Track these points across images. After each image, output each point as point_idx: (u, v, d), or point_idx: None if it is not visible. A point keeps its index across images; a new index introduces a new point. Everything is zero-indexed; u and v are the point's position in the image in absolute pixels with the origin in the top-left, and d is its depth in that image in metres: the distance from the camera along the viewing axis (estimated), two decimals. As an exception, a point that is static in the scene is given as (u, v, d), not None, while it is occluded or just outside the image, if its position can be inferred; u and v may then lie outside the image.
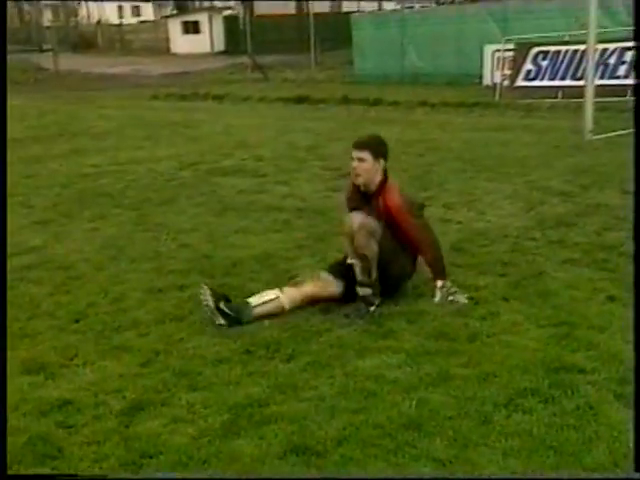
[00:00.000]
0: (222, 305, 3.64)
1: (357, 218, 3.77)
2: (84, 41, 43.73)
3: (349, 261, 3.81)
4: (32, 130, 11.92)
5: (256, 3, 45.58)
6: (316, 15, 26.53)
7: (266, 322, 3.64)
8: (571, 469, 2.35)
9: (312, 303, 3.83)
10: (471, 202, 6.06)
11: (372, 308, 3.74)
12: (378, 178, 3.91)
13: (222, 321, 3.61)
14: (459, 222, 5.45)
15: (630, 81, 12.20)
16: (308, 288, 3.85)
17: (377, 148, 3.92)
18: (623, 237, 4.79)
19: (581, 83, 10.09)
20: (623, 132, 9.12)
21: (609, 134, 9.02)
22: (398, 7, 31.38)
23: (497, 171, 7.28)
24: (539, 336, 3.35)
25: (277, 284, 4.17)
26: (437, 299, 3.84)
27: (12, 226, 5.71)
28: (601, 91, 10.23)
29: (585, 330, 3.37)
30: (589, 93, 9.17)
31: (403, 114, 12.95)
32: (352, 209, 3.99)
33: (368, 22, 22.08)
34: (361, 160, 3.87)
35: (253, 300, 3.76)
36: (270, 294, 3.80)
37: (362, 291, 3.77)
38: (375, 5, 51.85)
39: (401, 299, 3.88)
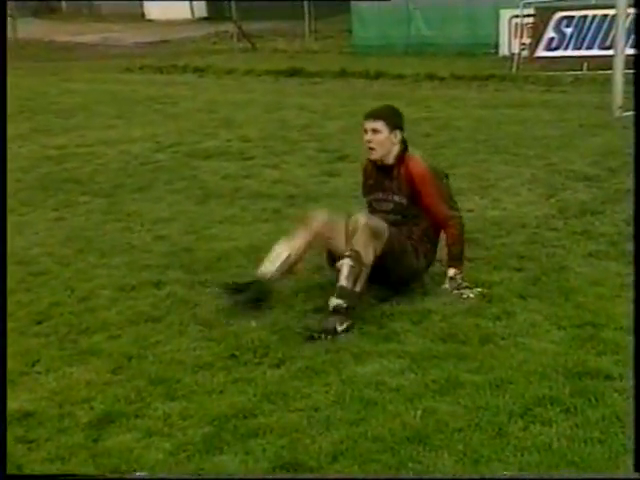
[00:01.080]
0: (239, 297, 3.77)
1: (364, 217, 3.76)
2: (46, 5, 43.54)
3: (338, 264, 3.67)
4: (-12, 107, 11.87)
5: (242, -37, 45.50)
6: (310, -24, 26.44)
7: (253, 323, 3.65)
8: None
9: (321, 244, 3.93)
10: (484, 188, 6.07)
11: (340, 328, 3.50)
12: (396, 150, 3.92)
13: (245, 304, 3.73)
14: (471, 210, 5.44)
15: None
16: (319, 227, 3.86)
17: (392, 119, 3.94)
18: (655, 225, 4.81)
19: (610, 53, 10.08)
20: (656, 108, 9.15)
21: (640, 111, 9.03)
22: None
23: (514, 153, 7.28)
24: (560, 338, 3.37)
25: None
26: (446, 286, 3.90)
27: (-34, 216, 5.74)
28: (632, 62, 10.24)
29: (612, 331, 3.39)
30: (619, 64, 9.16)
31: (408, 89, 12.93)
32: (369, 188, 4.05)
33: (369, -14, 22.02)
34: (375, 132, 3.87)
35: (266, 268, 3.80)
36: (282, 254, 3.82)
37: (334, 302, 3.56)
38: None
39: (405, 297, 3.89)
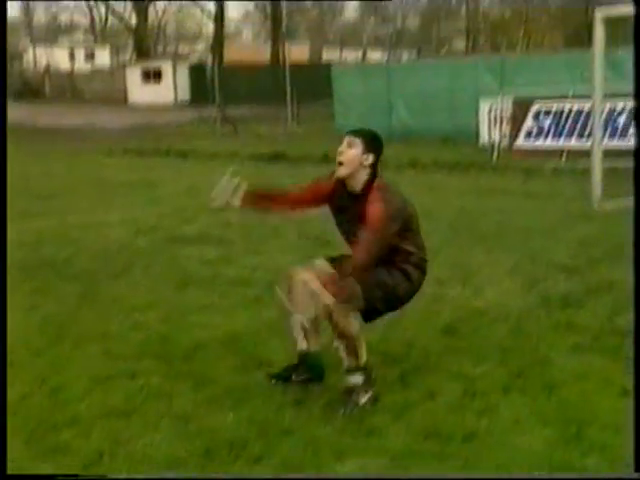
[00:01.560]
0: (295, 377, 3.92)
1: (331, 299, 3.54)
2: (29, 89, 44.35)
3: (334, 346, 3.75)
4: (-34, 189, 11.89)
5: (226, 49, 46.82)
6: (293, 65, 27.21)
7: (230, 416, 3.59)
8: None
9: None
10: (467, 277, 6.12)
11: (364, 400, 3.70)
12: (364, 177, 3.80)
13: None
14: (453, 299, 5.48)
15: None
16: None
17: (370, 140, 3.83)
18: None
19: (588, 144, 10.37)
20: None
21: (620, 201, 9.20)
22: (385, 57, 32.41)
23: (495, 242, 7.38)
24: (545, 436, 3.34)
25: (244, 372, 4.16)
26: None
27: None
28: (610, 153, 10.53)
29: (597, 430, 3.37)
30: (596, 155, 9.41)
31: (390, 176, 12.93)
32: (337, 209, 3.95)
33: (351, 74, 22.69)
34: (349, 145, 3.79)
35: (301, 345, 3.92)
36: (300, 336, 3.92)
37: (352, 380, 3.73)
38: (359, 53, 53.46)
39: (386, 389, 3.86)
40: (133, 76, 41.55)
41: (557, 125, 14.18)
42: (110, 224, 8.75)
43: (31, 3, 63.38)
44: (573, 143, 13.64)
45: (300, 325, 3.92)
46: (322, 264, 3.98)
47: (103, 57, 59.38)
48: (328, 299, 3.57)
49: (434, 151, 15.74)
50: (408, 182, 12.22)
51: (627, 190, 9.85)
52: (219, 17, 46.26)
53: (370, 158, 3.80)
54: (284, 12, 50.62)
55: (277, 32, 47.31)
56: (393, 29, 66.87)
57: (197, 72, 39.29)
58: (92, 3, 63.93)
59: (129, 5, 48.10)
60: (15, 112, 32.14)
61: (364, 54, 53.61)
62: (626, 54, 14.33)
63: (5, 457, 2.40)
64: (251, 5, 55.27)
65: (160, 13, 60.86)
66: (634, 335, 3.06)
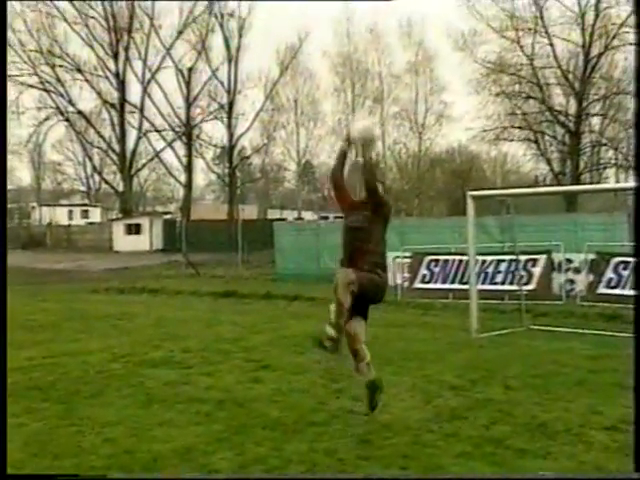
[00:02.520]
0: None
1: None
2: (33, 240, 43.59)
3: (330, 308, 4.71)
4: (-28, 321, 11.34)
5: (193, 209, 47.36)
6: (244, 221, 27.66)
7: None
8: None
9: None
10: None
11: (329, 346, 4.79)
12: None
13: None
14: (366, 414, 5.38)
15: (506, 287, 13.02)
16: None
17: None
18: (508, 431, 4.82)
19: (467, 287, 10.68)
20: (503, 332, 9.56)
21: (491, 333, 9.41)
22: (315, 217, 33.24)
23: (399, 365, 7.35)
24: (438, 532, 3.22)
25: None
26: None
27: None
28: (483, 294, 10.86)
29: (479, 526, 3.27)
30: (473, 297, 9.68)
31: (319, 309, 13.12)
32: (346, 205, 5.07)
33: (289, 229, 23.14)
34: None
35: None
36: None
37: (330, 331, 4.68)
38: (295, 214, 54.78)
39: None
40: (118, 229, 41.38)
41: (444, 272, 14.60)
42: (91, 351, 8.39)
43: (41, 174, 63.59)
44: (456, 286, 14.01)
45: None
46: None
47: (95, 214, 59.22)
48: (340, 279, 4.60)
49: (352, 291, 15.89)
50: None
51: (496, 324, 10.10)
52: (188, 185, 47.14)
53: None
54: (238, 182, 52.04)
55: (233, 196, 48.38)
56: (321, 195, 69.18)
57: (169, 226, 39.47)
58: (89, 174, 64.60)
59: (118, 176, 48.70)
60: (20, 258, 31.41)
61: (299, 215, 54.99)
62: (491, 221, 15.16)
63: (5, 457, 2.14)
64: (214, 176, 56.58)
65: (142, 181, 61.72)
66: (634, 335, 3.02)
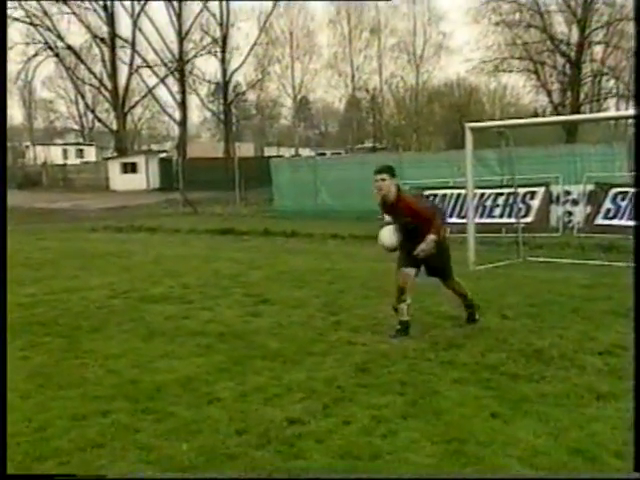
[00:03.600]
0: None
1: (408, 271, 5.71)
2: (29, 180, 43.23)
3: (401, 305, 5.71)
4: (-28, 260, 11.39)
5: (189, 147, 46.85)
6: (241, 158, 27.42)
7: (184, 445, 3.47)
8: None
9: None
10: (375, 325, 6.12)
11: (405, 315, 5.67)
12: (394, 190, 5.55)
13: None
14: (364, 344, 5.47)
15: (504, 220, 13.04)
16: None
17: (390, 170, 5.57)
18: (503, 358, 4.92)
19: (464, 221, 10.68)
20: (500, 264, 9.63)
21: (488, 265, 9.47)
22: (312, 154, 32.97)
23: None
24: (433, 452, 3.33)
25: (197, 408, 4.04)
26: (423, 245, 5.44)
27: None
28: (481, 228, 10.87)
29: (473, 446, 3.37)
30: (471, 230, 9.69)
31: (316, 245, 13.22)
32: (387, 212, 5.75)
33: (286, 166, 22.96)
34: (383, 180, 5.51)
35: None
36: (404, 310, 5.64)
37: (401, 305, 5.69)
38: (292, 151, 54.27)
39: (312, 419, 3.80)
40: (114, 168, 41.02)
41: (442, 206, 14.55)
42: (91, 288, 8.48)
43: (32, 113, 62.49)
44: (454, 220, 14.02)
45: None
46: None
47: (90, 153, 58.55)
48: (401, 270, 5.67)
49: (350, 226, 15.93)
50: (330, 250, 12.34)
51: (493, 257, 10.17)
52: (183, 123, 46.45)
53: (394, 182, 5.58)
54: (234, 119, 51.27)
55: (229, 134, 47.78)
56: (319, 132, 68.30)
57: (165, 165, 39.07)
58: (82, 113, 63.50)
59: (112, 114, 47.89)
60: (17, 198, 31.26)
61: (296, 152, 54.43)
62: (490, 154, 15.02)
63: (5, 457, 2.22)
64: (209, 113, 55.70)
65: (136, 119, 60.76)
66: (634, 335, 3.09)
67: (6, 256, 3.81)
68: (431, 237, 5.39)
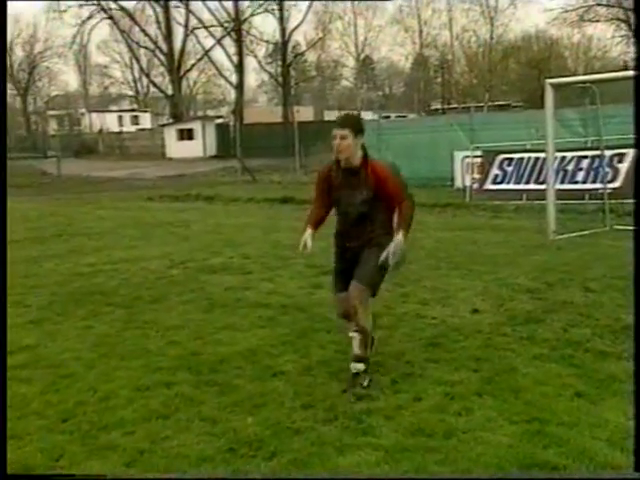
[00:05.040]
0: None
1: (355, 298, 3.96)
2: (86, 147, 44.68)
3: (350, 334, 4.04)
4: (32, 231, 11.93)
5: (246, 112, 47.22)
6: (300, 123, 27.39)
7: (249, 419, 3.55)
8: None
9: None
10: (445, 298, 6.07)
11: (365, 383, 3.93)
12: (359, 153, 4.04)
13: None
14: (434, 318, 5.44)
15: (588, 185, 12.59)
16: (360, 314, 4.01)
17: (356, 124, 4.07)
18: (588, 334, 4.80)
19: (543, 187, 10.38)
20: (584, 233, 9.32)
21: (570, 234, 9.20)
22: (376, 117, 32.60)
23: (469, 268, 7.34)
24: (512, 432, 3.28)
25: (261, 380, 4.12)
26: (391, 244, 3.96)
27: (7, 325, 5.64)
28: (561, 194, 10.54)
29: (555, 426, 3.31)
30: (550, 196, 9.41)
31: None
32: (336, 187, 4.13)
33: (348, 130, 22.80)
34: (343, 138, 3.98)
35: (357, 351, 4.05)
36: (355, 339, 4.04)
37: (355, 367, 3.97)
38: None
39: (380, 394, 3.82)
40: (170, 135, 41.82)
41: (518, 172, 14.18)
42: (150, 258, 8.74)
43: (87, 78, 64.27)
44: (531, 186, 13.63)
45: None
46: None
47: (145, 120, 59.89)
48: (355, 301, 3.97)
49: (417, 193, 15.62)
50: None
51: (575, 225, 9.86)
52: (240, 86, 46.78)
53: (360, 139, 4.04)
54: (292, 81, 51.20)
55: (287, 98, 47.82)
56: (382, 94, 67.41)
57: (222, 131, 39.54)
58: (136, 77, 64.83)
59: (167, 78, 48.68)
60: (74, 166, 32.43)
61: (359, 115, 53.97)
62: (572, 114, 14.46)
63: (5, 457, 2.32)
64: (266, 76, 55.87)
65: (192, 84, 61.59)
66: (634, 334, 3.02)
67: (6, 255, 3.95)
68: (399, 237, 3.96)
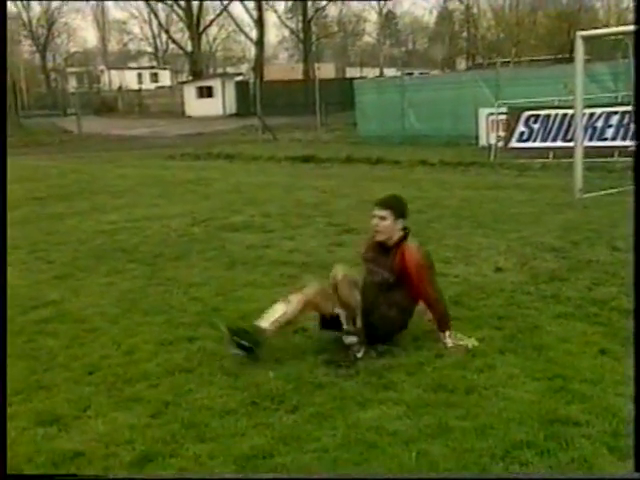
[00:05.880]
0: (237, 339, 3.77)
1: (340, 272, 3.86)
2: (105, 105, 44.73)
3: (335, 311, 3.86)
4: (54, 189, 12.06)
5: (266, 69, 46.76)
6: (322, 80, 27.08)
7: (271, 374, 3.60)
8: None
9: (313, 309, 3.97)
10: (468, 257, 6.06)
11: (359, 355, 3.78)
12: (397, 235, 3.97)
13: (239, 352, 3.75)
14: (457, 276, 5.43)
15: (617, 142, 12.34)
16: (311, 294, 3.92)
17: (398, 208, 3.99)
18: (614, 292, 4.76)
19: (571, 144, 10.18)
20: (612, 191, 9.18)
21: (598, 193, 9.06)
22: (398, 74, 32.11)
23: (492, 227, 7.29)
24: (534, 389, 3.30)
25: (283, 336, 4.16)
26: (449, 343, 3.89)
27: (32, 281, 5.75)
28: (590, 152, 10.34)
29: (578, 383, 3.32)
30: (578, 154, 9.25)
31: (404, 173, 13.06)
32: (365, 258, 4.11)
33: (370, 87, 22.54)
34: (382, 218, 3.94)
35: (264, 323, 3.85)
36: (278, 310, 3.90)
37: (348, 339, 3.83)
38: (377, 72, 53.02)
39: (402, 352, 3.85)
40: (189, 93, 41.66)
41: (545, 129, 13.94)
42: (171, 216, 8.80)
43: (106, 35, 63.95)
44: (558, 144, 13.40)
45: (281, 313, 3.92)
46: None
47: (165, 78, 59.60)
48: (340, 274, 3.82)
49: (440, 151, 15.60)
50: (419, 178, 12.17)
51: (603, 184, 9.70)
52: (260, 42, 46.22)
53: (400, 222, 3.97)
54: (313, 37, 50.44)
55: (308, 54, 47.17)
56: (405, 50, 66.19)
57: (242, 88, 39.28)
58: (155, 34, 64.32)
59: (186, 34, 48.22)
60: (94, 124, 32.53)
61: (381, 72, 53.10)
62: (603, 68, 14.10)
63: (5, 457, 2.38)
64: (287, 31, 55.10)
65: (211, 40, 61.00)
66: (634, 330, 3.00)
67: (6, 253, 3.96)
68: (447, 341, 3.90)
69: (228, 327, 3.91)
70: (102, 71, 60.17)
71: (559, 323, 4.22)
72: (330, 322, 3.96)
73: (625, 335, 3.91)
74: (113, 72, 58.62)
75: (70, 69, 61.18)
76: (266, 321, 3.88)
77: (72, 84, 54.87)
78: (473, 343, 3.89)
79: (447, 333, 3.95)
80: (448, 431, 2.91)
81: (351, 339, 3.82)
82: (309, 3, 46.81)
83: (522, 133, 14.29)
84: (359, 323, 3.84)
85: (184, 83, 44.80)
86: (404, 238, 3.96)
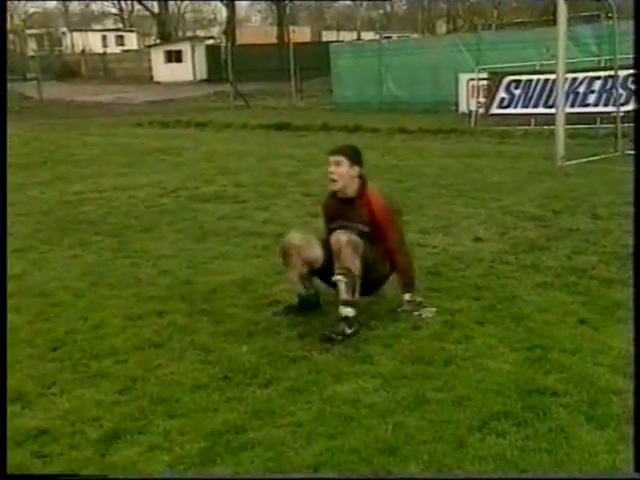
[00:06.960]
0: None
1: (344, 235, 3.76)
2: (68, 70, 43.80)
3: (334, 278, 3.77)
4: (15, 158, 11.78)
5: (238, 32, 46.07)
6: (296, 45, 26.80)
7: (244, 347, 3.61)
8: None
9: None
10: (447, 227, 6.09)
11: (350, 331, 3.72)
12: (355, 184, 3.95)
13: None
14: (435, 246, 5.47)
15: (599, 109, 12.43)
16: (297, 242, 3.92)
17: (352, 154, 3.98)
18: (594, 261, 4.83)
19: (552, 111, 10.25)
20: (593, 158, 9.28)
21: (580, 160, 9.15)
22: (377, 37, 31.84)
23: (472, 196, 7.33)
24: (513, 359, 3.35)
25: (256, 310, 4.17)
26: (405, 308, 3.94)
27: (-8, 254, 5.66)
28: (571, 118, 10.42)
29: (557, 353, 3.37)
30: (560, 121, 9.31)
31: (382, 140, 13.04)
32: (331, 217, 4.07)
33: (347, 52, 22.35)
34: (337, 164, 3.91)
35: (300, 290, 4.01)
36: (294, 281, 4.02)
37: (345, 311, 3.75)
38: (354, 35, 52.55)
39: (378, 323, 3.87)
40: (157, 57, 40.95)
41: (526, 95, 13.98)
42: (139, 186, 8.70)
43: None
44: (540, 110, 13.46)
45: (298, 276, 3.99)
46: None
47: (131, 41, 58.40)
48: (343, 238, 3.72)
49: (419, 118, 15.59)
50: (397, 145, 12.17)
51: (585, 151, 9.79)
52: (231, 4, 45.45)
53: (356, 169, 3.94)
54: (287, -1, 49.72)
55: (282, 17, 46.55)
56: (384, 12, 65.61)
57: (213, 53, 38.67)
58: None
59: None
60: (56, 90, 31.86)
61: (358, 36, 52.65)
62: (587, 30, 14.11)
63: (5, 457, 2.38)
64: (259, -8, 54.29)
65: (180, 1, 59.81)
66: (634, 327, 3.04)
67: (6, 252, 3.90)
68: (406, 298, 3.97)
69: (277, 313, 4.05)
70: (64, 33, 58.71)
71: (538, 293, 4.27)
72: (319, 272, 3.95)
73: (604, 304, 3.98)
74: (75, 34, 57.22)
75: (29, 31, 59.61)
76: (300, 289, 4.00)
77: (32, 47, 53.52)
78: (427, 315, 3.91)
79: (407, 296, 3.97)
80: (425, 403, 2.95)
81: (348, 310, 3.72)
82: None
83: (503, 99, 14.32)
84: (357, 295, 3.76)
85: (151, 47, 43.99)
86: (363, 186, 3.95)
